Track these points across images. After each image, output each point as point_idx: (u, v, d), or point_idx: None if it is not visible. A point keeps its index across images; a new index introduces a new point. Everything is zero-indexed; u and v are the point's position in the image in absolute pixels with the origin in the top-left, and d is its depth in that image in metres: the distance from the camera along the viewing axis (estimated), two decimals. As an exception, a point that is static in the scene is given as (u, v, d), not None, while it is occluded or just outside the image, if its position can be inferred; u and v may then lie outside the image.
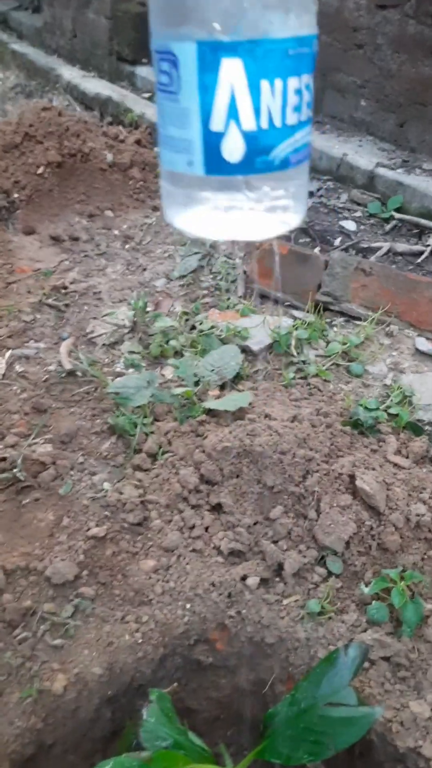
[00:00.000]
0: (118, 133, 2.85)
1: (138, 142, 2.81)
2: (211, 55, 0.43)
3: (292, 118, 0.46)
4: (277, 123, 0.45)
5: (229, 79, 0.43)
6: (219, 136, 0.45)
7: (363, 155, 2.51)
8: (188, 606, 1.20)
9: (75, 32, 3.85)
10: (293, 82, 0.45)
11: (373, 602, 1.18)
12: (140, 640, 1.17)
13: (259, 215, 0.48)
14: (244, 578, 1.22)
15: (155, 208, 2.53)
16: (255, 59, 0.43)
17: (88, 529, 1.29)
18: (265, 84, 0.44)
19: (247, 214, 0.48)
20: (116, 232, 2.37)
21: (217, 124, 0.45)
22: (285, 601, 1.20)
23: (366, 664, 1.12)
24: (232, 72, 0.43)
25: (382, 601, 1.18)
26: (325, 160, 2.56)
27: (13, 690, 1.10)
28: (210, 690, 1.25)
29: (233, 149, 0.45)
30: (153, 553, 1.26)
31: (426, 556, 1.24)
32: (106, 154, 2.61)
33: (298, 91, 0.46)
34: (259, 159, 0.46)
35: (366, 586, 1.21)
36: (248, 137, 0.45)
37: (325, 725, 0.98)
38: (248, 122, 0.45)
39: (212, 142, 0.45)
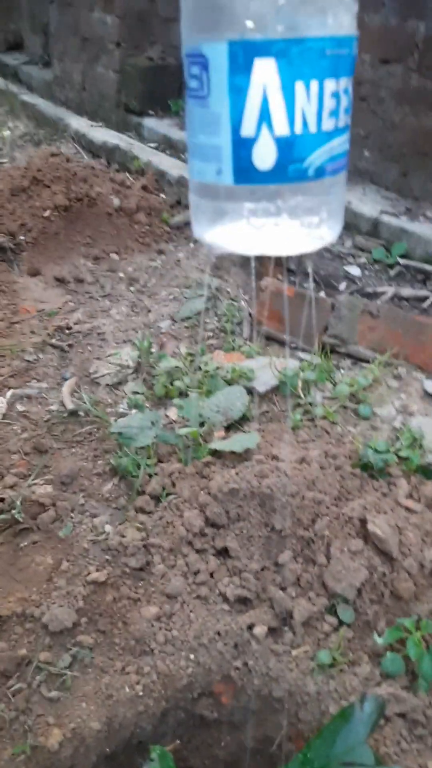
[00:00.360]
0: (125, 179, 2.89)
1: (144, 188, 2.84)
2: (243, 55, 0.40)
3: (328, 124, 0.43)
4: (312, 128, 0.42)
5: (261, 80, 0.40)
6: (250, 142, 0.43)
7: (367, 203, 2.54)
8: (192, 656, 1.14)
9: (84, 85, 3.96)
10: (330, 85, 0.42)
11: (387, 653, 1.12)
12: (141, 693, 1.11)
13: (292, 229, 0.45)
14: (251, 627, 1.17)
15: (161, 252, 2.54)
16: (290, 59, 0.40)
17: (88, 574, 1.24)
18: (300, 86, 0.41)
19: (279, 227, 0.44)
20: (121, 274, 2.37)
21: (247, 129, 0.42)
22: (294, 652, 1.14)
23: (381, 721, 1.05)
24: (265, 73, 0.40)
25: (396, 653, 1.12)
26: (329, 208, 2.60)
27: (5, 745, 1.03)
28: (214, 748, 1.18)
29: (264, 156, 0.42)
30: (155, 600, 1.21)
31: (442, 606, 1.19)
32: (113, 198, 2.64)
33: (336, 95, 0.43)
34: (292, 167, 0.43)
35: (379, 636, 1.15)
36: (281, 143, 0.42)
37: (340, 788, 0.91)
38: (281, 127, 0.42)
39: (242, 148, 0.43)
